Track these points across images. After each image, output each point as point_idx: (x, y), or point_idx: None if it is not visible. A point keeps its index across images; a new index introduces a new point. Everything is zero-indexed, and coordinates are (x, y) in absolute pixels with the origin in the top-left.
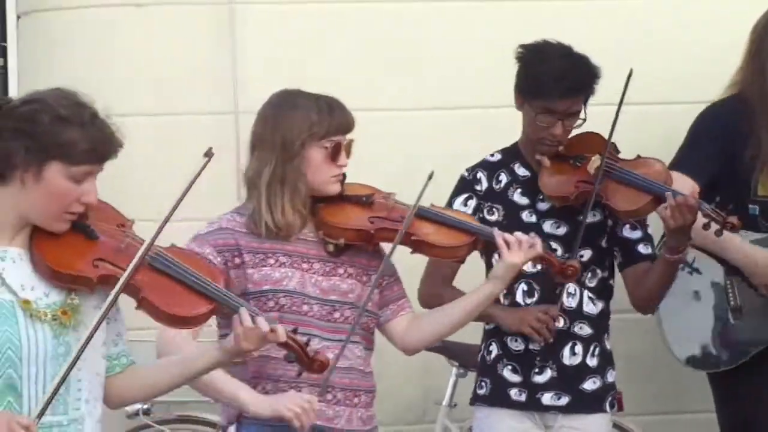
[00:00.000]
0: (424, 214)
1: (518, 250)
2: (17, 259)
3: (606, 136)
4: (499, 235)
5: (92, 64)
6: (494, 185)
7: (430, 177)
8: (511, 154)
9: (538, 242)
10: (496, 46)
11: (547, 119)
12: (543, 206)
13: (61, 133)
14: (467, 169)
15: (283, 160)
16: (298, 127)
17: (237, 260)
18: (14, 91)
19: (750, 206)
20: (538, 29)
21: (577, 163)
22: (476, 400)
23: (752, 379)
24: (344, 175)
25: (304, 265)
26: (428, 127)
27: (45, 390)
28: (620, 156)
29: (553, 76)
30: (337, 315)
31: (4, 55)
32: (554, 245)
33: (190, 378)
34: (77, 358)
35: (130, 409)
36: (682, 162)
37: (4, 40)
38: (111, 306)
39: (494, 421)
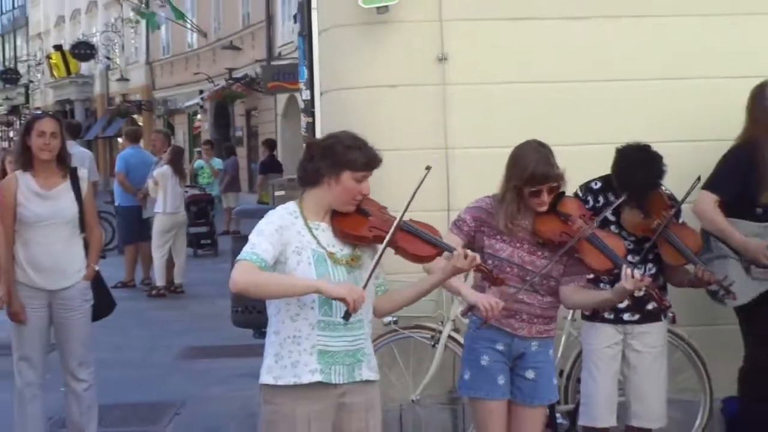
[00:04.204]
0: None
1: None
2: (325, 229)
3: None
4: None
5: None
6: None
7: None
8: None
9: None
10: None
11: None
12: None
13: (350, 154)
14: None
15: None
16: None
17: (482, 228)
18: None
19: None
20: None
21: None
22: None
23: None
24: None
25: (517, 244)
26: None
27: (344, 306)
28: None
29: None
30: (528, 278)
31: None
32: None
33: (424, 293)
34: (374, 268)
35: (384, 320)
36: None
37: (311, 114)
38: (383, 252)
39: None
